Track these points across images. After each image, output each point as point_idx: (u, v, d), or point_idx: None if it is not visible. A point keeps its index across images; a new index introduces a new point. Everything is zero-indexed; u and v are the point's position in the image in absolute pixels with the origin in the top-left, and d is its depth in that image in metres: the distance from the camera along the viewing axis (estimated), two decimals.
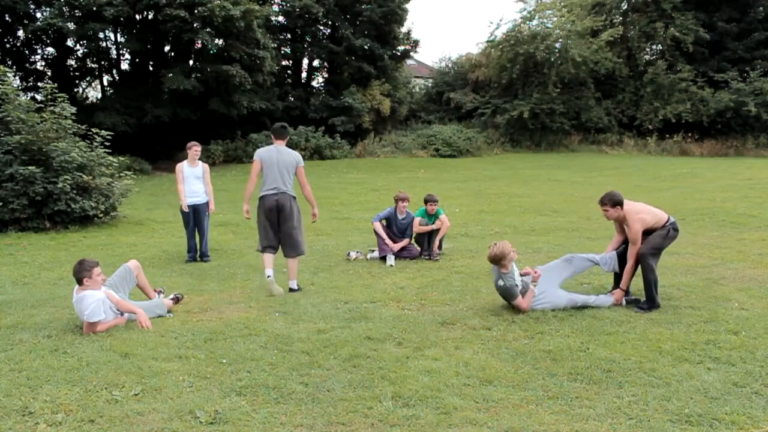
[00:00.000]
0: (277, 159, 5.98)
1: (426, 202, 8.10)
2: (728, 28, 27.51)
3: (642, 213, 5.35)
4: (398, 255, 7.77)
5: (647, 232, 5.33)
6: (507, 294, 5.16)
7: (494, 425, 3.17)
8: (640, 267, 5.28)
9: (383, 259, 7.77)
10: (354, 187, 16.61)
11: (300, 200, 6.20)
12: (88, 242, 9.57)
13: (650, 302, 5.18)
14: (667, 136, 26.76)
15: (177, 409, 3.35)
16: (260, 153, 6.09)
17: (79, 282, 4.85)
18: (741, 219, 10.18)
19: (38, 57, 24.26)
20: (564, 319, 4.94)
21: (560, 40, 26.87)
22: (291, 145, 26.02)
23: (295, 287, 6.11)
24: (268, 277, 5.99)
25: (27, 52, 23.60)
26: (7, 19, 21.66)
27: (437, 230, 7.89)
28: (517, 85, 27.87)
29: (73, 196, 10.42)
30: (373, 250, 8.08)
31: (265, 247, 6.07)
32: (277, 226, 6.00)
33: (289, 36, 27.96)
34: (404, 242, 7.87)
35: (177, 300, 5.50)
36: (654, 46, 29.35)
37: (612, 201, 5.31)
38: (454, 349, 4.29)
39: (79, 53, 24.22)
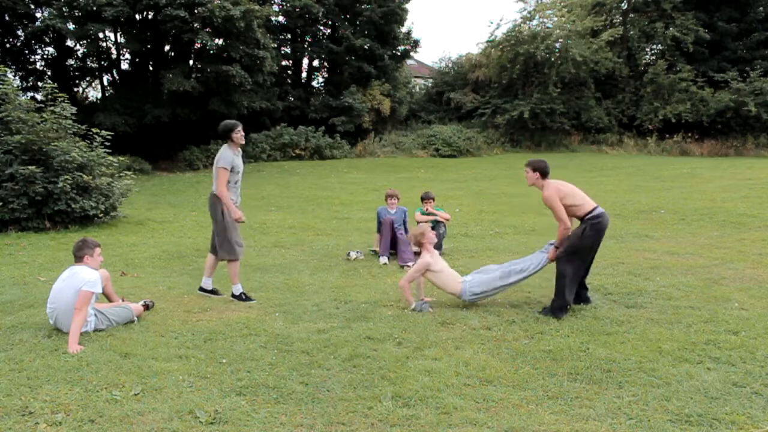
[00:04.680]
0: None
1: (422, 200, 8.12)
2: (728, 28, 27.50)
3: (561, 186, 5.19)
4: (391, 254, 7.78)
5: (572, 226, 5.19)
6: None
7: (494, 425, 3.17)
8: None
9: (374, 252, 7.96)
10: (354, 187, 16.61)
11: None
12: None
13: (553, 309, 5.04)
14: (667, 136, 26.76)
15: (177, 409, 3.36)
16: None
17: (79, 259, 4.83)
18: (741, 219, 10.18)
19: (38, 57, 24.26)
20: (564, 319, 4.95)
21: (560, 40, 26.85)
22: (291, 145, 25.64)
23: (235, 293, 5.80)
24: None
25: (27, 52, 23.59)
26: (7, 19, 21.65)
27: (438, 224, 7.90)
28: (517, 85, 27.88)
29: (73, 196, 10.41)
30: (374, 251, 8.07)
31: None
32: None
33: (289, 36, 27.95)
34: (407, 246, 7.80)
35: (147, 307, 5.32)
36: (654, 46, 29.34)
37: (532, 165, 5.28)
38: (454, 349, 4.29)
39: (79, 53, 24.20)
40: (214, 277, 6.06)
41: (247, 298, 5.78)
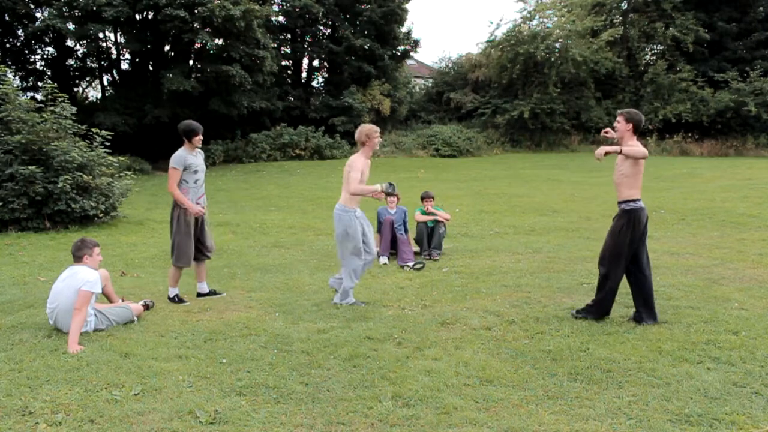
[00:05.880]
0: None
1: (422, 199, 8.14)
2: (728, 28, 27.52)
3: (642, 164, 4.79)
4: (391, 253, 7.78)
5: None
6: None
7: (494, 425, 3.17)
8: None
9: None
10: None
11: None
12: None
13: (591, 310, 4.90)
14: (667, 136, 26.76)
15: (177, 409, 3.35)
16: None
17: (78, 259, 4.82)
18: (741, 219, 10.18)
19: (38, 57, 24.29)
20: (564, 319, 4.94)
21: (560, 40, 26.87)
22: (291, 145, 25.50)
23: (170, 295, 5.78)
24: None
25: (27, 52, 23.62)
26: (7, 19, 21.66)
27: (438, 224, 7.91)
28: (517, 85, 27.88)
29: (73, 196, 10.41)
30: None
31: None
32: None
33: (289, 36, 27.96)
34: (408, 246, 7.78)
35: (147, 307, 5.32)
36: (654, 46, 29.36)
37: (626, 115, 4.80)
38: (454, 349, 4.28)
39: (79, 53, 24.23)
40: (208, 279, 6.06)
41: (180, 300, 5.71)
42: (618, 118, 4.89)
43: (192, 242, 5.69)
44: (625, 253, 4.76)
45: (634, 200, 4.73)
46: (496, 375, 3.81)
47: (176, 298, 5.74)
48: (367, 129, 5.55)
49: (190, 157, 5.63)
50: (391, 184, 5.51)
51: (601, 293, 4.89)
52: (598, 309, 4.90)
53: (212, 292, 5.96)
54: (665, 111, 26.39)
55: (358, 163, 5.42)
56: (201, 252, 5.83)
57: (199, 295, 5.93)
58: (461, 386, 3.65)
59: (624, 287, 4.93)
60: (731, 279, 6.16)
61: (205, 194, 5.94)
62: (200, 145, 5.77)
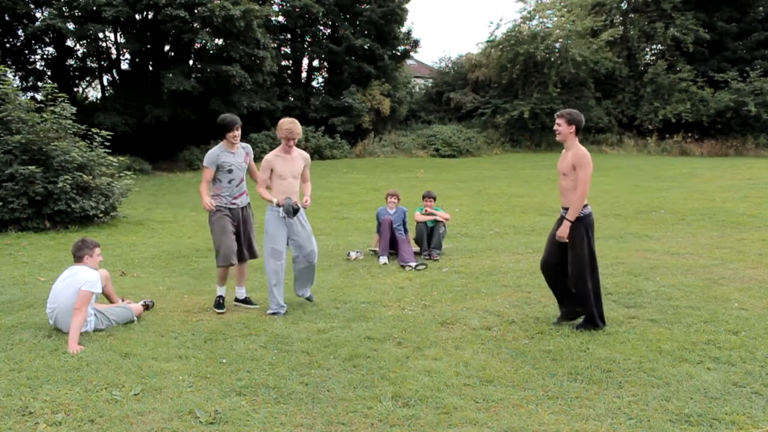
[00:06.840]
0: None
1: (423, 198, 8.14)
2: (728, 28, 27.52)
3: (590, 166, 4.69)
4: (391, 254, 7.78)
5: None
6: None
7: (494, 425, 3.17)
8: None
9: (374, 252, 7.97)
10: (354, 187, 16.61)
11: (252, 203, 5.84)
12: None
13: (596, 325, 4.66)
14: (667, 136, 26.75)
15: (177, 409, 3.36)
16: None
17: (79, 259, 4.82)
18: (741, 219, 10.18)
19: (38, 57, 24.27)
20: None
21: (560, 40, 26.87)
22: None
23: (217, 293, 5.57)
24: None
25: (27, 52, 23.60)
26: (7, 19, 21.66)
27: (437, 224, 7.90)
28: (517, 85, 27.87)
29: (73, 196, 10.41)
30: (374, 251, 8.08)
31: None
32: None
33: (289, 36, 27.96)
34: (407, 246, 7.77)
35: (147, 307, 5.30)
36: (654, 46, 29.36)
37: (568, 117, 4.72)
38: (454, 349, 4.29)
39: (79, 53, 24.22)
40: (210, 279, 5.96)
41: (219, 305, 5.45)
42: (558, 120, 4.80)
43: (230, 240, 5.40)
44: (590, 258, 4.74)
45: (584, 206, 4.79)
46: (496, 375, 3.81)
47: (218, 300, 5.47)
48: (279, 123, 5.27)
49: (224, 155, 5.36)
50: (289, 208, 5.15)
51: (588, 305, 4.66)
52: (601, 319, 4.69)
53: (246, 300, 5.66)
54: (665, 111, 26.38)
55: (264, 161, 5.24)
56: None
57: (237, 300, 5.67)
58: (461, 386, 3.65)
59: (614, 288, 4.93)
60: (731, 279, 6.16)
61: (246, 193, 5.64)
62: (237, 141, 5.45)
